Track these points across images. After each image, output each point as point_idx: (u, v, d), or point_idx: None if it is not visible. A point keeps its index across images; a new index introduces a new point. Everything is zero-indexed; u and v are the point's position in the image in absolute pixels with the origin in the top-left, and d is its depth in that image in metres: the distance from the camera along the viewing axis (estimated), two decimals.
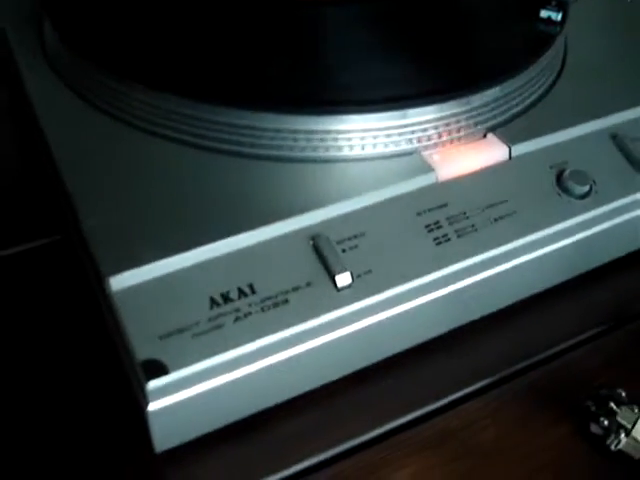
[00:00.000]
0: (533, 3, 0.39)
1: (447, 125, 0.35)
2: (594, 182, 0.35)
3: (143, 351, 0.27)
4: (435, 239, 0.32)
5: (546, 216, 0.34)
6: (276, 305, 0.29)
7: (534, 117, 0.37)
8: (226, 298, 0.29)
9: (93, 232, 0.30)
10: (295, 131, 0.33)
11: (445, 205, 0.33)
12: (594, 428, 0.31)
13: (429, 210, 0.33)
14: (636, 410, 0.30)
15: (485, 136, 0.36)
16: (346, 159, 0.34)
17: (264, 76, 0.35)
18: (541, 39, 0.39)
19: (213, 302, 0.29)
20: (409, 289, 0.31)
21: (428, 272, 0.31)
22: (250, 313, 0.29)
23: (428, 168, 0.34)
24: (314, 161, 0.34)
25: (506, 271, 0.33)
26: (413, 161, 0.34)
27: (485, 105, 0.36)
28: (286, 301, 0.29)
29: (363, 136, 0.34)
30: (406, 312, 0.31)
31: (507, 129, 0.36)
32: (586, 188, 0.35)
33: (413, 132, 0.34)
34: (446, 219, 0.33)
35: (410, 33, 0.37)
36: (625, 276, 0.38)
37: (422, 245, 0.32)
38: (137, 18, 0.38)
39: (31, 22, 0.42)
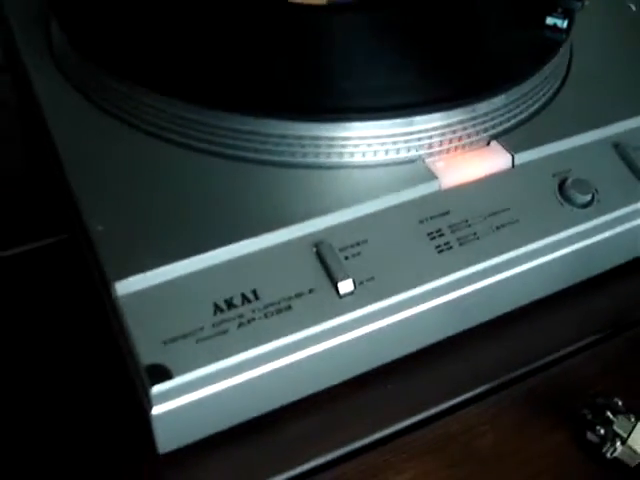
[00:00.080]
0: (539, 10, 0.39)
1: (453, 133, 0.35)
2: (596, 191, 0.36)
3: (148, 356, 0.28)
4: (437, 247, 0.32)
5: (548, 225, 0.34)
6: (279, 311, 0.30)
7: (538, 125, 0.37)
8: (230, 304, 0.29)
9: (99, 237, 0.30)
10: (299, 137, 0.33)
11: (447, 213, 0.33)
12: (590, 436, 0.31)
13: (431, 218, 0.33)
14: (632, 419, 0.30)
15: (489, 144, 0.36)
16: (349, 166, 0.34)
17: (268, 82, 0.35)
18: (547, 46, 0.39)
19: (217, 308, 0.29)
20: (410, 296, 0.31)
21: (429, 280, 0.32)
22: (253, 319, 0.29)
23: (431, 176, 0.34)
24: (318, 167, 0.34)
25: (507, 279, 0.34)
26: (416, 168, 0.34)
27: (490, 112, 0.36)
28: (289, 307, 0.30)
29: (368, 143, 0.34)
30: (407, 319, 0.32)
31: (511, 137, 0.37)
32: (588, 197, 0.35)
33: (419, 139, 0.34)
34: (448, 227, 0.33)
35: (416, 40, 0.37)
36: (624, 283, 0.38)
37: (424, 253, 0.32)
38: (144, 22, 0.38)
39: (38, 22, 0.42)
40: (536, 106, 0.38)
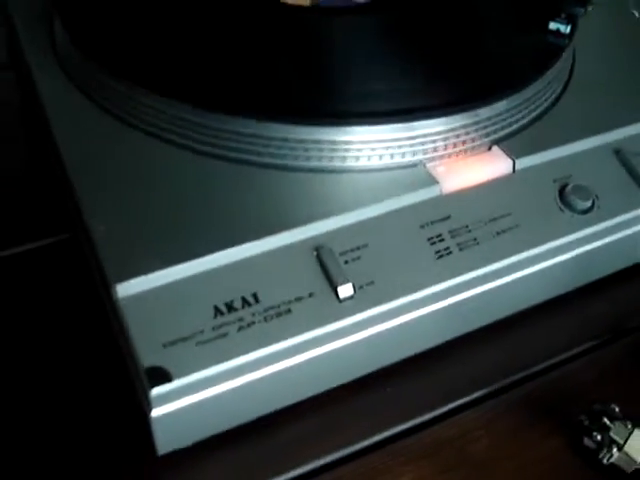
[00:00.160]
0: (542, 15, 0.39)
1: (454, 137, 0.35)
2: (596, 197, 0.36)
3: (148, 358, 0.28)
4: (437, 252, 0.33)
5: (548, 231, 0.34)
6: (279, 315, 0.30)
7: (539, 130, 0.37)
8: (230, 307, 0.29)
9: (101, 239, 0.30)
10: (301, 141, 0.33)
11: (448, 218, 0.34)
12: (587, 442, 0.31)
13: (432, 223, 0.33)
14: (629, 426, 0.31)
15: (490, 148, 0.36)
16: (351, 170, 0.34)
17: (271, 86, 0.35)
18: (550, 51, 0.39)
19: (217, 311, 0.29)
20: (409, 301, 0.31)
21: (429, 285, 0.32)
22: (253, 322, 0.29)
23: (432, 180, 0.34)
24: (319, 171, 0.34)
25: (506, 284, 0.34)
26: (417, 173, 0.34)
27: (492, 117, 0.36)
28: (289, 311, 0.30)
29: (369, 147, 0.34)
30: (406, 323, 0.32)
31: (512, 142, 0.37)
32: (588, 203, 0.35)
33: (421, 144, 0.34)
34: (448, 232, 0.33)
35: (418, 45, 0.37)
36: (622, 289, 0.38)
37: (424, 258, 0.32)
38: (147, 23, 0.38)
39: (42, 21, 0.42)
40: (538, 111, 0.38)
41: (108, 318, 0.33)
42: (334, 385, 0.33)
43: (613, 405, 0.31)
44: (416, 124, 0.34)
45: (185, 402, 0.28)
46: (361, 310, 0.31)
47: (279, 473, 0.31)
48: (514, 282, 0.34)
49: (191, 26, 0.37)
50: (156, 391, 0.27)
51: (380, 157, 0.34)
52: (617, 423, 0.31)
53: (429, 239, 0.33)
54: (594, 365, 0.35)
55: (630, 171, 0.37)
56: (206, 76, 0.35)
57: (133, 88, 0.35)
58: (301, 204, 0.33)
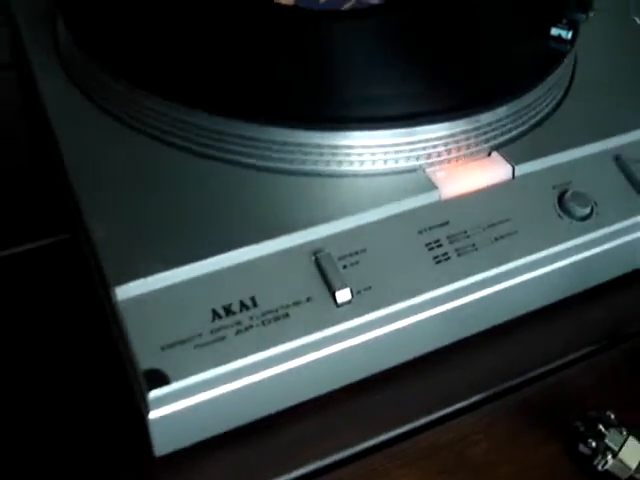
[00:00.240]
0: (544, 21, 0.39)
1: (455, 143, 0.35)
2: (595, 204, 0.36)
3: (146, 361, 0.28)
4: (435, 257, 0.33)
5: (546, 237, 0.34)
6: (277, 319, 0.30)
7: (539, 136, 0.37)
8: (228, 311, 0.30)
9: (100, 240, 0.31)
10: (301, 145, 0.34)
11: (447, 223, 0.34)
12: (582, 448, 0.31)
13: (430, 228, 0.33)
14: (624, 433, 0.31)
15: (490, 154, 0.36)
16: (350, 174, 0.34)
17: (271, 90, 0.35)
18: (551, 57, 0.39)
19: (215, 314, 0.29)
20: (407, 307, 0.32)
21: (426, 290, 0.32)
22: (251, 326, 0.30)
23: (432, 186, 0.34)
24: (318, 175, 0.34)
25: (504, 290, 0.34)
26: (417, 178, 0.35)
27: (493, 123, 0.36)
28: (287, 315, 0.30)
29: (369, 152, 0.34)
30: (403, 328, 0.32)
31: (512, 148, 0.37)
32: (587, 210, 0.35)
33: (421, 149, 0.35)
34: (447, 237, 0.33)
35: (420, 50, 0.37)
36: (620, 295, 0.38)
37: (422, 263, 0.32)
38: (149, 26, 0.38)
39: (45, 21, 0.42)
40: (538, 117, 0.38)
41: (107, 319, 0.33)
42: (331, 389, 0.33)
43: (609, 412, 0.32)
44: (417, 129, 0.34)
45: (182, 405, 0.29)
46: (358, 315, 0.31)
47: (277, 475, 0.31)
48: (512, 288, 0.34)
49: (193, 29, 0.37)
50: (154, 394, 0.28)
51: (380, 162, 0.34)
52: (612, 430, 0.31)
53: (427, 244, 0.33)
54: (592, 371, 0.36)
55: (629, 178, 0.37)
56: (207, 79, 0.35)
57: (134, 90, 0.35)
58: (300, 208, 0.33)
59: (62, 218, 0.39)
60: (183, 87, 0.35)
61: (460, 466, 0.32)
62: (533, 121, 0.38)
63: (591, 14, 0.39)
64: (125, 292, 0.29)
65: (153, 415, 0.28)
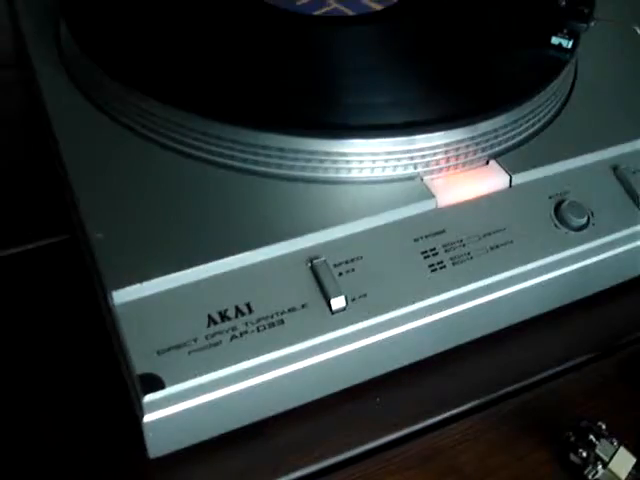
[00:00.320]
0: (544, 30, 0.39)
1: (453, 151, 0.35)
2: (592, 214, 0.36)
3: (141, 365, 0.28)
4: (430, 266, 0.33)
5: (542, 247, 0.35)
6: (272, 325, 0.30)
7: (537, 145, 0.38)
8: (223, 316, 0.30)
9: (99, 244, 0.31)
10: (298, 151, 0.34)
11: (443, 232, 0.34)
12: (573, 458, 0.32)
13: (426, 236, 0.33)
14: (615, 443, 0.31)
15: (487, 163, 0.37)
16: (348, 181, 0.35)
17: (271, 96, 0.35)
18: (551, 66, 0.39)
19: (211, 320, 0.30)
20: (401, 314, 0.32)
21: (421, 299, 0.32)
22: (246, 332, 0.30)
23: (429, 194, 0.35)
24: (315, 182, 0.34)
25: (498, 299, 0.34)
26: (414, 186, 0.35)
27: (491, 132, 0.36)
28: (282, 321, 0.30)
29: (367, 159, 0.34)
30: (398, 336, 0.32)
31: (510, 157, 0.37)
32: (583, 220, 0.36)
33: (419, 157, 0.35)
34: (442, 246, 0.33)
35: (419, 58, 0.37)
36: (615, 305, 0.39)
37: (417, 271, 0.33)
38: (151, 31, 0.39)
39: (49, 23, 0.42)
40: (537, 126, 0.38)
41: (105, 320, 0.33)
42: (325, 394, 0.33)
43: (600, 423, 0.32)
44: (415, 138, 0.34)
45: (177, 409, 0.29)
46: (353, 322, 0.31)
47: (270, 478, 0.31)
48: (506, 297, 0.34)
49: (193, 35, 0.37)
50: (149, 397, 0.28)
51: (378, 169, 0.35)
52: (603, 440, 0.31)
53: (423, 253, 0.33)
54: (585, 380, 0.36)
55: (626, 188, 0.37)
56: (207, 84, 0.36)
57: (134, 93, 0.36)
58: (297, 215, 0.33)
59: (62, 218, 0.39)
60: (183, 92, 0.35)
61: (452, 473, 0.32)
62: (531, 130, 0.38)
63: (592, 24, 0.39)
64: (122, 296, 0.29)
65: (148, 418, 0.28)
